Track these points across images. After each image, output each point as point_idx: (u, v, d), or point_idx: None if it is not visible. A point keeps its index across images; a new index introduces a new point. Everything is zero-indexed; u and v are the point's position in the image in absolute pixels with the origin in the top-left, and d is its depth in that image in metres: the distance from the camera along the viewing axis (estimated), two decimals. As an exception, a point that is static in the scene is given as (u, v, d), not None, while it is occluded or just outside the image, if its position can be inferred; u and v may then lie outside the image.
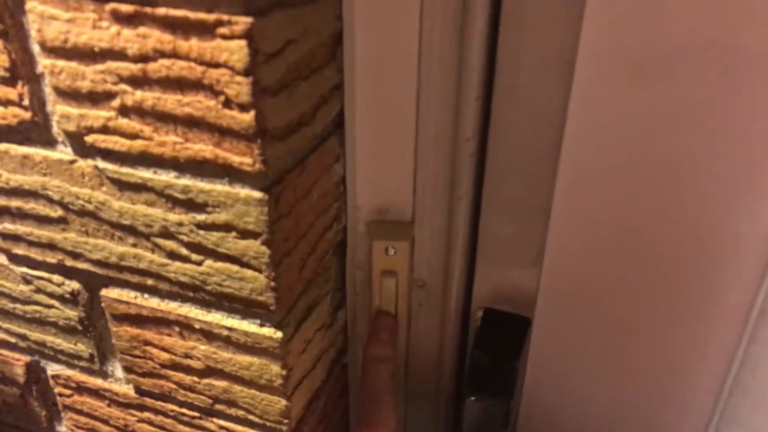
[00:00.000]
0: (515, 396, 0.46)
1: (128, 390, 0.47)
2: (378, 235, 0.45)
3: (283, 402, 0.42)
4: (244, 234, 0.36)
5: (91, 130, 0.37)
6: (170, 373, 0.44)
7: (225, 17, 0.31)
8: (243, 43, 0.31)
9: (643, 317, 0.41)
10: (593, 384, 0.45)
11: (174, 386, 0.45)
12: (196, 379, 0.43)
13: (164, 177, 0.36)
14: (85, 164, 0.38)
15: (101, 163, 0.38)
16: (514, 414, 0.48)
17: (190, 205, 0.37)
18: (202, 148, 0.35)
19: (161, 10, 0.32)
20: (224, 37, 0.31)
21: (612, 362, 0.44)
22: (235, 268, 0.38)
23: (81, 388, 0.50)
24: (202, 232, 0.37)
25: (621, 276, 0.41)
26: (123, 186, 0.38)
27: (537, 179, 0.42)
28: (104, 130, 0.36)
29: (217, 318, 0.40)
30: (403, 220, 0.46)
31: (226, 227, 0.37)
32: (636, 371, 0.43)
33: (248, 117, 0.33)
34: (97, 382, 0.48)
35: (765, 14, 0.33)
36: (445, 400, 0.51)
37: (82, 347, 0.47)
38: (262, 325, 0.40)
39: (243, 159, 0.34)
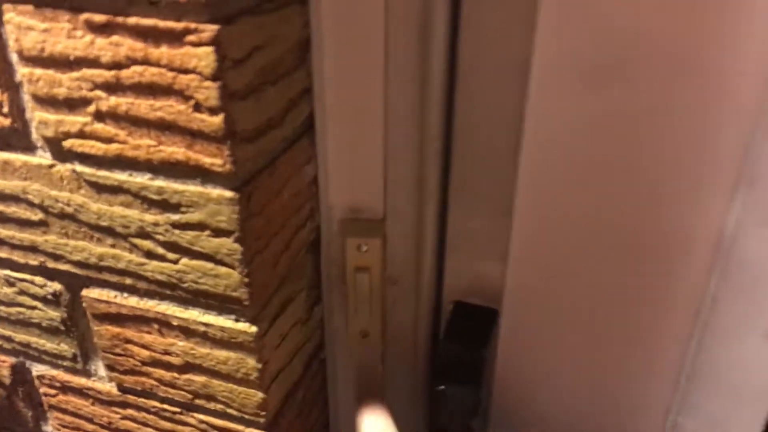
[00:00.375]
0: (486, 385, 0.47)
1: (111, 388, 0.49)
2: (351, 233, 0.47)
3: (260, 395, 0.43)
4: (217, 232, 0.38)
5: (68, 135, 0.38)
6: (151, 369, 0.45)
7: (192, 25, 0.33)
8: (210, 49, 0.33)
9: (604, 307, 0.43)
10: (560, 371, 0.47)
11: (155, 382, 0.46)
12: (175, 375, 0.45)
13: (139, 179, 0.38)
14: (63, 168, 0.40)
15: (79, 167, 0.39)
16: (485, 402, 0.49)
17: (165, 205, 0.38)
18: (175, 150, 0.36)
19: (132, 20, 0.33)
20: (192, 44, 0.33)
21: (578, 351, 0.46)
22: (209, 265, 0.39)
23: (65, 388, 0.51)
24: (177, 231, 0.39)
25: (583, 268, 0.43)
26: (100, 188, 0.39)
27: (501, 176, 0.43)
28: (81, 134, 0.38)
29: (194, 315, 0.42)
30: (375, 218, 0.47)
31: (200, 226, 0.38)
32: (600, 359, 0.45)
33: (217, 120, 0.34)
34: (80, 381, 0.50)
35: (709, 23, 0.34)
36: (421, 391, 0.53)
37: (66, 347, 0.48)
38: (237, 321, 0.41)
39: (214, 160, 0.36)
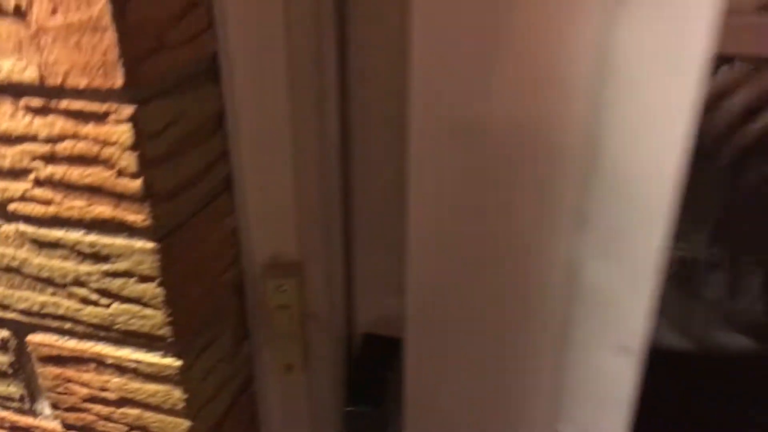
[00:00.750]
0: (394, 405, 0.53)
1: (56, 426, 0.53)
2: (271, 275, 0.53)
3: (187, 423, 0.48)
4: (142, 279, 0.44)
5: (12, 200, 0.44)
6: (90, 405, 0.50)
7: (114, 107, 0.39)
8: (128, 126, 0.40)
9: (489, 330, 0.50)
10: (459, 390, 0.53)
11: (94, 417, 0.51)
12: (112, 409, 0.50)
13: (74, 235, 0.44)
14: (8, 228, 0.46)
15: (22, 227, 0.45)
16: (394, 421, 0.55)
17: (97, 257, 0.44)
18: (103, 210, 0.42)
19: (64, 103, 0.40)
20: (114, 122, 0.40)
21: (472, 371, 0.52)
22: (137, 308, 0.45)
23: (14, 428, 0.55)
24: (107, 279, 0.45)
25: (468, 297, 0.50)
26: (41, 245, 0.45)
27: (396, 219, 0.50)
28: (23, 199, 0.44)
29: (126, 353, 0.47)
30: (292, 261, 0.54)
31: (128, 274, 0.44)
32: (490, 377, 0.51)
33: (137, 184, 0.41)
34: (28, 420, 0.54)
35: (542, 101, 0.42)
36: (340, 414, 0.58)
37: (14, 389, 0.53)
38: (164, 356, 0.47)
39: (136, 217, 0.42)
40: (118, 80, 0.38)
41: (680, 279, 0.76)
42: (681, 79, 0.37)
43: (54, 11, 0.38)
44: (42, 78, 0.40)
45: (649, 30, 0.38)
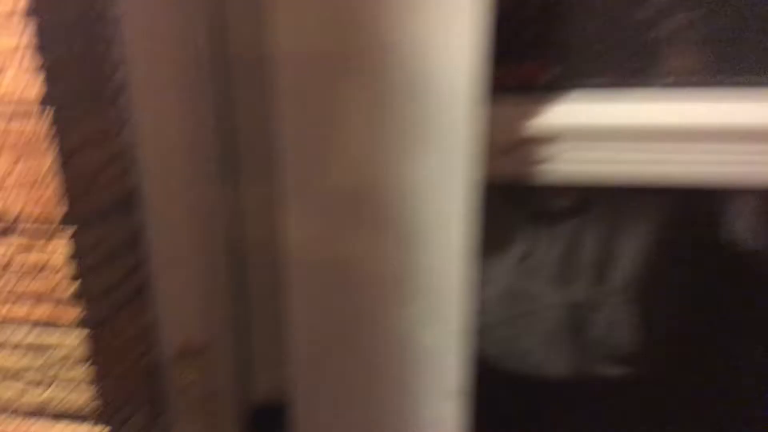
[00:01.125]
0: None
1: (-8, 505, 0.61)
2: (181, 358, 0.66)
3: (111, 485, 0.58)
4: (74, 364, 0.56)
5: (-32, 307, 0.56)
6: (25, 480, 0.60)
7: (59, 229, 0.53)
8: (70, 244, 0.53)
9: (355, 392, 0.64)
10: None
11: (28, 491, 0.60)
12: (45, 480, 0.59)
13: (20, 334, 0.56)
14: (-37, 330, 0.57)
15: (-25, 329, 0.56)
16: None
17: (38, 349, 0.56)
18: (45, 311, 0.55)
19: (20, 227, 0.53)
20: (58, 240, 0.53)
21: (342, 423, 0.65)
22: (69, 389, 0.56)
23: None
24: (45, 368, 0.56)
25: (337, 369, 0.64)
26: (-10, 342, 0.57)
27: (278, 308, 0.65)
28: (-22, 305, 0.56)
29: (60, 428, 0.58)
30: (199, 347, 0.66)
31: (63, 360, 0.56)
32: (356, 426, 0.64)
33: (73, 288, 0.54)
34: (-35, 503, 0.62)
35: (368, 233, 0.59)
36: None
37: (-46, 475, 0.61)
38: (93, 427, 0.57)
39: (71, 315, 0.55)
40: (62, 210, 0.52)
41: (570, 321, 0.92)
42: (454, 197, 0.56)
43: (16, 162, 0.53)
44: (3, 210, 0.53)
45: (431, 163, 0.56)
